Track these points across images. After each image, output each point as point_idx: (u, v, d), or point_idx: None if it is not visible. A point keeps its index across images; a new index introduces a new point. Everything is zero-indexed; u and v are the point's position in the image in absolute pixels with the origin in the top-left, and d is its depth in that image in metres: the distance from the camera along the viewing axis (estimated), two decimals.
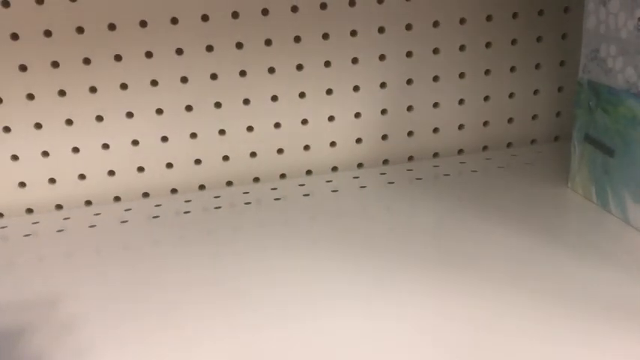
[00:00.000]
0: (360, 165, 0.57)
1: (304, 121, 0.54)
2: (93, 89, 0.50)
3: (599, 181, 0.42)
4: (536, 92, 0.57)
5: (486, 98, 0.56)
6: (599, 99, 0.41)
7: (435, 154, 0.57)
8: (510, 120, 0.57)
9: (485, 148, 0.58)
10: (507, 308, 0.32)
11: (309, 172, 0.56)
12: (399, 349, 0.30)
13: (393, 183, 0.51)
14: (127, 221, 0.48)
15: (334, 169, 0.57)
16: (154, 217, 0.49)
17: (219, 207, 0.50)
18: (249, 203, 0.50)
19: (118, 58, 0.50)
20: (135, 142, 0.52)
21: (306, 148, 0.55)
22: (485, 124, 0.57)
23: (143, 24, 0.49)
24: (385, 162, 0.57)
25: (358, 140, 0.56)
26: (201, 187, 0.55)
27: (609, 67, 0.40)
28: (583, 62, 0.43)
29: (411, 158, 0.57)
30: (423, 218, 0.44)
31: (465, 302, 0.33)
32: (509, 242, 0.39)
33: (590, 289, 0.33)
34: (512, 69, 0.56)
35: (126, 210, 0.51)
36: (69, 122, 0.51)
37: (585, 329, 0.30)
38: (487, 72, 0.55)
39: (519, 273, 0.36)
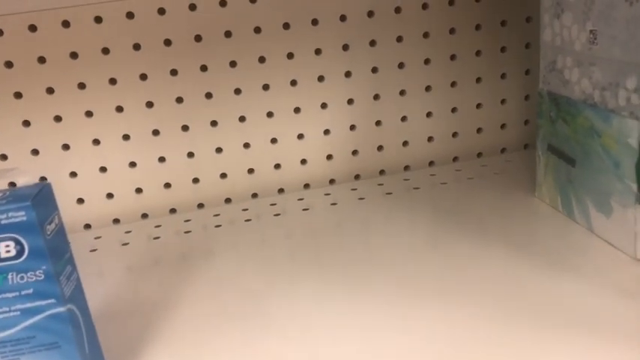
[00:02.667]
0: (332, 181, 0.57)
1: (273, 140, 0.54)
2: (58, 118, 0.50)
3: (564, 190, 0.43)
4: (503, 102, 0.57)
5: (454, 110, 0.57)
6: (559, 110, 0.42)
7: (407, 167, 0.58)
8: (479, 130, 0.58)
9: (455, 158, 0.58)
10: (470, 319, 0.32)
11: (281, 191, 0.56)
12: None
13: (364, 199, 0.52)
14: (96, 250, 0.48)
15: (306, 186, 0.57)
16: (124, 245, 0.48)
17: (189, 231, 0.49)
18: (219, 226, 0.50)
19: (81, 85, 0.50)
20: (103, 169, 0.52)
21: (277, 166, 0.55)
22: (455, 135, 0.57)
23: (105, 51, 0.49)
24: (357, 177, 0.57)
25: (329, 157, 0.56)
26: (172, 210, 0.55)
27: (566, 79, 0.40)
28: (542, 74, 0.43)
29: (382, 172, 0.57)
30: (394, 233, 0.44)
31: (428, 314, 0.33)
32: (475, 253, 0.40)
33: (551, 299, 0.34)
34: (478, 80, 0.56)
35: (96, 238, 0.50)
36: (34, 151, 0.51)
37: (545, 339, 0.30)
38: (453, 84, 0.56)
39: (483, 284, 0.36)
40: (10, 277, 0.26)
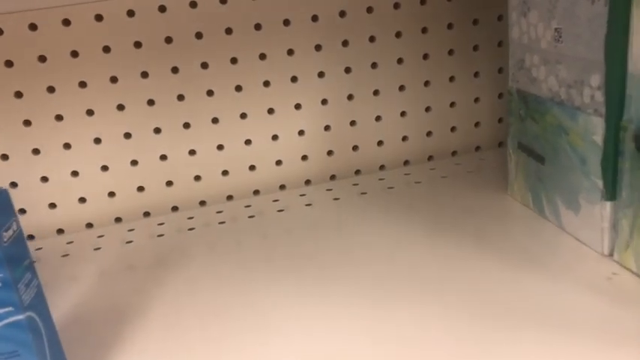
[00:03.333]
0: (307, 182, 0.57)
1: (248, 142, 0.54)
2: (28, 122, 0.49)
3: (534, 188, 0.43)
4: (476, 100, 0.57)
5: (428, 109, 0.57)
6: (528, 108, 0.42)
7: (382, 167, 0.58)
8: (453, 129, 0.58)
9: (430, 157, 0.58)
10: (442, 318, 0.32)
11: (256, 192, 0.56)
12: None
13: (339, 199, 0.51)
14: (68, 255, 0.47)
15: (282, 187, 0.56)
16: (96, 249, 0.48)
17: (162, 234, 0.49)
18: (192, 229, 0.49)
19: (50, 89, 0.49)
20: (75, 173, 0.52)
21: (252, 168, 0.55)
22: (429, 134, 0.58)
23: (74, 54, 0.48)
24: (333, 177, 0.57)
25: (304, 157, 0.56)
26: (146, 214, 0.54)
27: (534, 77, 0.41)
28: (511, 71, 0.44)
29: (358, 172, 0.57)
30: (369, 233, 0.44)
31: (401, 314, 0.33)
32: (448, 252, 0.40)
33: (520, 296, 0.34)
34: (452, 78, 0.56)
35: (68, 243, 0.50)
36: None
37: (514, 336, 0.30)
38: (427, 83, 0.56)
39: (455, 283, 0.36)
40: None
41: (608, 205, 0.35)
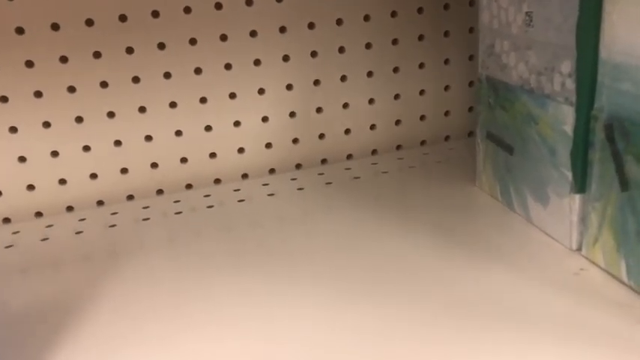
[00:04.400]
0: (272, 170, 0.55)
1: (208, 128, 0.52)
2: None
3: (503, 180, 0.42)
4: (446, 88, 0.56)
5: (397, 96, 0.55)
6: (497, 95, 0.40)
7: (349, 156, 0.56)
8: (422, 117, 0.56)
9: (399, 147, 0.57)
10: (401, 313, 0.31)
11: (217, 181, 0.54)
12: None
13: (303, 189, 0.49)
14: (12, 246, 0.45)
15: (244, 176, 0.54)
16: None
17: (115, 225, 0.46)
18: (148, 219, 0.47)
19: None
20: (22, 159, 0.49)
21: (212, 155, 0.53)
22: (397, 122, 0.56)
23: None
24: (298, 166, 0.55)
25: (268, 145, 0.54)
26: (99, 202, 0.51)
27: (504, 63, 0.39)
28: (481, 58, 0.42)
29: (324, 161, 0.55)
30: (333, 224, 0.42)
31: (359, 308, 0.31)
32: (412, 244, 0.38)
33: (483, 291, 0.32)
34: (421, 65, 0.54)
35: (14, 233, 0.47)
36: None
37: (475, 332, 0.29)
38: (396, 69, 0.54)
39: (417, 276, 0.34)
40: None
41: (577, 197, 0.34)
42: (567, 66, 0.33)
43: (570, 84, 0.33)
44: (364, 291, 0.34)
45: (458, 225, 0.40)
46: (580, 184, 0.34)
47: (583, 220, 0.34)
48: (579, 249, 0.35)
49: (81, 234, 0.45)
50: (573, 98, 0.33)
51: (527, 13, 0.35)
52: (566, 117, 0.33)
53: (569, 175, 0.34)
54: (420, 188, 0.47)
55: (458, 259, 0.36)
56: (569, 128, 0.33)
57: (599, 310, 0.30)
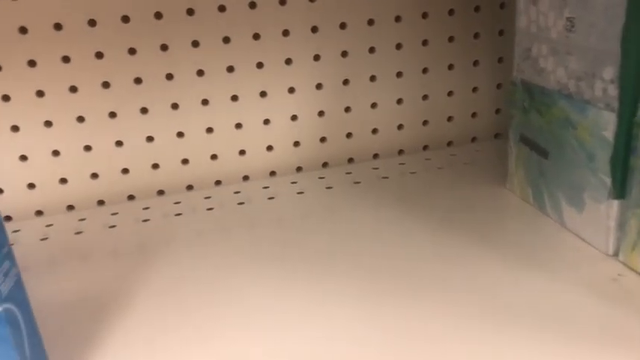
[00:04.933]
0: (299, 169, 0.55)
1: (238, 125, 0.52)
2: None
3: (536, 183, 0.42)
4: (475, 90, 0.56)
5: (425, 97, 0.55)
6: (532, 99, 0.41)
7: (375, 155, 0.56)
8: (450, 118, 0.56)
9: (425, 147, 0.57)
10: (434, 314, 0.31)
11: (245, 178, 0.54)
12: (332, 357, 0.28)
13: (331, 187, 0.50)
14: (47, 238, 0.45)
15: (272, 173, 0.54)
16: (77, 233, 0.46)
17: (148, 219, 0.47)
18: (179, 214, 0.47)
19: (31, 63, 0.46)
20: (55, 153, 0.49)
21: (242, 152, 0.53)
22: (425, 123, 0.56)
23: (58, 26, 0.46)
24: (325, 165, 0.55)
25: (296, 144, 0.54)
26: (130, 197, 0.52)
27: (541, 67, 0.39)
28: (516, 61, 0.42)
29: (350, 160, 0.56)
30: (361, 224, 0.42)
31: (396, 311, 0.32)
32: (443, 246, 0.38)
33: (519, 294, 0.33)
34: (450, 67, 0.55)
35: (47, 225, 0.47)
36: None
37: (511, 335, 0.29)
38: (425, 70, 0.54)
39: (449, 278, 0.35)
40: None
41: (615, 203, 0.34)
42: (610, 72, 0.33)
43: (613, 90, 0.33)
44: (392, 292, 0.34)
45: (489, 227, 0.41)
46: (619, 190, 0.34)
47: (621, 225, 0.34)
48: (616, 254, 0.35)
49: (114, 228, 0.46)
50: (615, 104, 0.33)
51: (568, 18, 0.35)
52: (607, 123, 0.33)
53: (608, 180, 0.34)
54: (448, 189, 0.47)
55: (491, 262, 0.36)
56: (609, 134, 0.33)
57: (639, 315, 0.30)
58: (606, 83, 0.33)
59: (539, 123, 0.40)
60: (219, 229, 0.44)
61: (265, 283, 0.36)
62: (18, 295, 0.26)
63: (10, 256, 0.26)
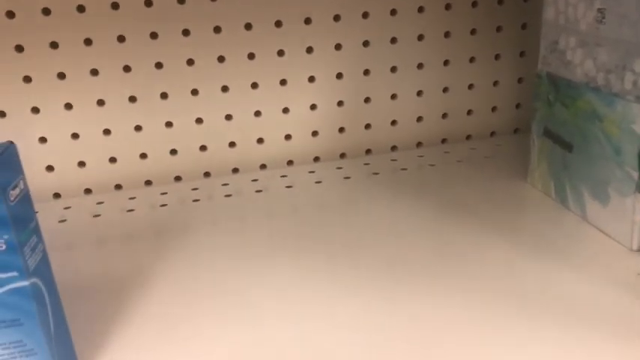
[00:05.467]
0: (316, 158, 0.55)
1: (257, 113, 0.52)
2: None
3: (558, 177, 0.41)
4: (495, 83, 0.56)
5: (445, 90, 0.55)
6: (558, 92, 0.40)
7: (394, 147, 0.56)
8: (470, 112, 0.56)
9: (444, 140, 0.57)
10: (453, 306, 0.31)
11: (263, 167, 0.54)
12: (350, 348, 0.28)
13: (349, 178, 0.50)
14: (65, 220, 0.45)
15: (289, 162, 0.54)
16: (95, 216, 0.46)
17: (165, 204, 0.47)
18: (196, 200, 0.47)
19: (54, 45, 0.46)
20: (75, 136, 0.49)
21: (260, 141, 0.53)
22: (444, 116, 0.56)
23: (81, 9, 0.46)
24: (342, 155, 0.55)
25: (314, 133, 0.54)
26: (148, 182, 0.52)
27: (568, 60, 0.39)
28: (542, 54, 0.42)
29: (368, 151, 0.55)
30: (379, 215, 0.42)
31: (413, 300, 0.32)
32: (463, 240, 0.38)
33: (540, 288, 0.32)
34: (472, 59, 0.54)
35: (65, 208, 0.47)
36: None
37: (533, 328, 0.29)
38: (446, 62, 0.54)
39: (471, 270, 0.34)
40: None
41: None
42: None
43: None
44: (410, 284, 0.34)
45: (511, 220, 0.40)
46: None
47: None
48: None
49: (132, 212, 0.46)
50: None
51: (599, 9, 0.35)
52: (636, 116, 0.33)
53: (635, 174, 0.34)
54: (468, 183, 0.47)
55: (512, 254, 0.36)
56: (638, 127, 0.33)
57: None
58: (637, 75, 0.33)
59: (564, 116, 0.40)
60: (237, 218, 0.44)
61: (282, 271, 0.36)
62: (44, 270, 0.26)
63: (37, 231, 0.26)
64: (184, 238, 0.41)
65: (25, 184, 0.25)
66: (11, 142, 0.25)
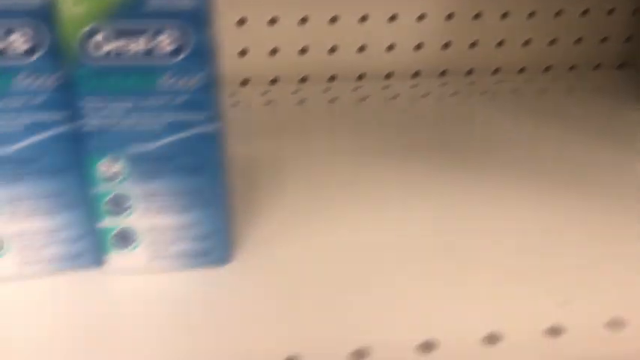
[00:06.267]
0: (416, 73, 0.52)
1: (363, 18, 0.49)
2: None
3: None
4: (610, 12, 0.53)
5: (558, 13, 0.52)
6: None
7: (497, 70, 0.53)
8: (579, 40, 0.53)
9: (548, 67, 0.54)
10: (578, 212, 0.30)
11: (361, 77, 0.52)
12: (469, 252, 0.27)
13: (457, 94, 0.47)
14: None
15: (388, 75, 0.52)
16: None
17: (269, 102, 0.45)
18: (303, 101, 0.45)
19: None
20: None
21: (361, 49, 0.50)
22: (553, 42, 0.53)
23: None
24: (443, 73, 0.53)
25: (418, 46, 0.51)
26: (244, 82, 0.50)
27: None
28: None
29: (470, 71, 0.53)
30: (493, 132, 0.40)
31: (533, 207, 0.30)
32: (581, 154, 0.36)
33: None
34: None
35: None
36: None
37: None
38: None
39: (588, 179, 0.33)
40: (163, 79, 0.22)
41: None
42: None
43: None
44: (537, 190, 0.32)
45: (631, 140, 0.38)
46: None
47: None
48: None
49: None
50: None
51: None
52: None
53: None
54: (583, 107, 0.45)
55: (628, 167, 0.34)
56: None
57: None
58: None
59: None
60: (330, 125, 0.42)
61: (394, 175, 0.35)
62: (223, 120, 0.24)
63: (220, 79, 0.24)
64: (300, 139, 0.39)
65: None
66: None
